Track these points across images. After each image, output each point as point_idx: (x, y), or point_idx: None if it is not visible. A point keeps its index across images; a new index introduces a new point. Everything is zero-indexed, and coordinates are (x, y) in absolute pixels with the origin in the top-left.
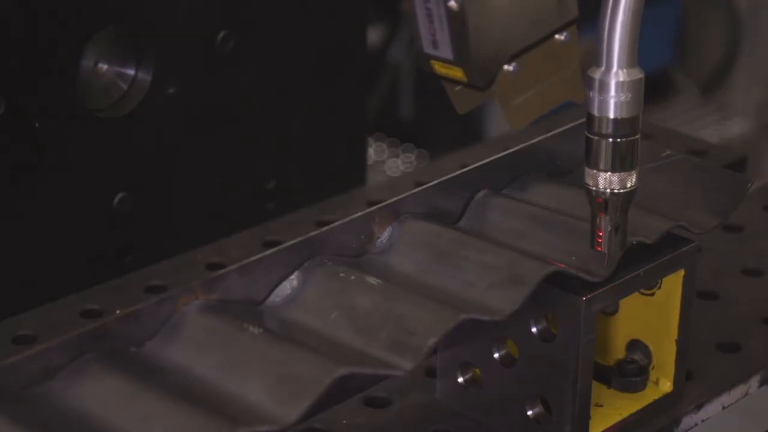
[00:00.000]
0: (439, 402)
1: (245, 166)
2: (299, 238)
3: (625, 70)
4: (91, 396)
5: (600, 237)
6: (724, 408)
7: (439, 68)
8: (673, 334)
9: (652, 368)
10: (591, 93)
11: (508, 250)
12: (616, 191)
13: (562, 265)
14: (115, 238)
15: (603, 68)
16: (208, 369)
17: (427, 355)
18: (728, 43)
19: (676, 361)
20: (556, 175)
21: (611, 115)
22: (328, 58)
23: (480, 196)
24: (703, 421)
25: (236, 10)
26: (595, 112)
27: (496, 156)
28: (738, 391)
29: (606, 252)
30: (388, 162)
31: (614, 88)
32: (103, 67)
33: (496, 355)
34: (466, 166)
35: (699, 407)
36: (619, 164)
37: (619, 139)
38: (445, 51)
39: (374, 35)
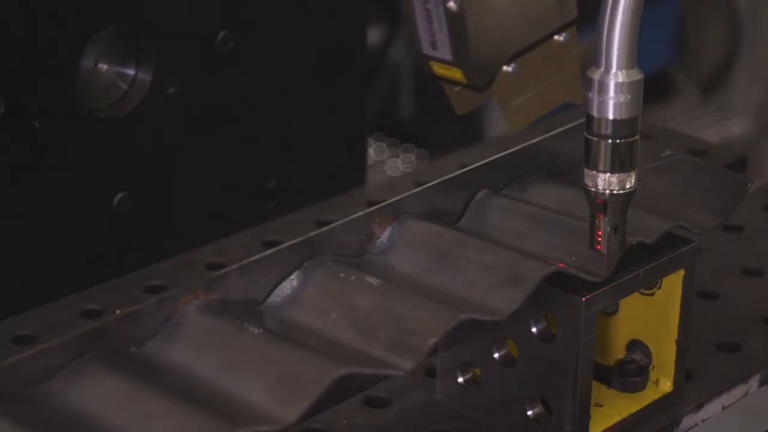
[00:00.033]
0: (439, 402)
1: (245, 166)
2: (299, 238)
3: (624, 71)
4: (91, 396)
5: (599, 237)
6: (724, 408)
7: (438, 69)
8: (673, 334)
9: (652, 368)
10: (590, 94)
11: (508, 250)
12: (615, 192)
13: (562, 265)
14: (115, 238)
15: (602, 69)
16: (208, 369)
17: (427, 355)
18: (728, 43)
19: (676, 361)
20: (556, 175)
21: (610, 116)
22: (328, 58)
23: (480, 196)
24: (703, 421)
25: (236, 10)
26: (595, 113)
27: (496, 156)
28: (738, 391)
29: (605, 253)
30: (388, 162)
31: (613, 89)
32: (103, 67)
33: (496, 355)
34: (466, 166)
35: (699, 407)
36: (619, 165)
37: (618, 140)
38: (444, 52)
39: (374, 35)
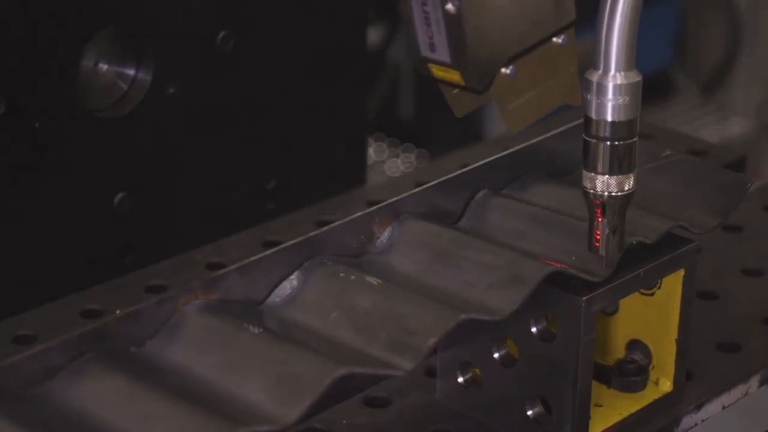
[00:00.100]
0: (439, 402)
1: (245, 166)
2: (299, 238)
3: (622, 73)
4: (91, 396)
5: (598, 239)
6: (724, 408)
7: (437, 71)
8: (673, 334)
9: (652, 368)
10: (589, 96)
11: (508, 250)
12: (613, 194)
13: (562, 265)
14: (115, 238)
15: (601, 71)
16: (208, 369)
17: (427, 355)
18: (728, 43)
19: (676, 361)
20: (556, 175)
21: (609, 118)
22: (328, 58)
23: (480, 196)
24: (703, 421)
25: (236, 10)
26: (593, 115)
27: (496, 156)
28: (738, 391)
29: (603, 255)
30: (388, 162)
31: (612, 91)
32: (103, 67)
33: (496, 355)
34: (466, 166)
35: (699, 407)
36: (617, 167)
37: (616, 142)
38: (443, 54)
39: (374, 35)
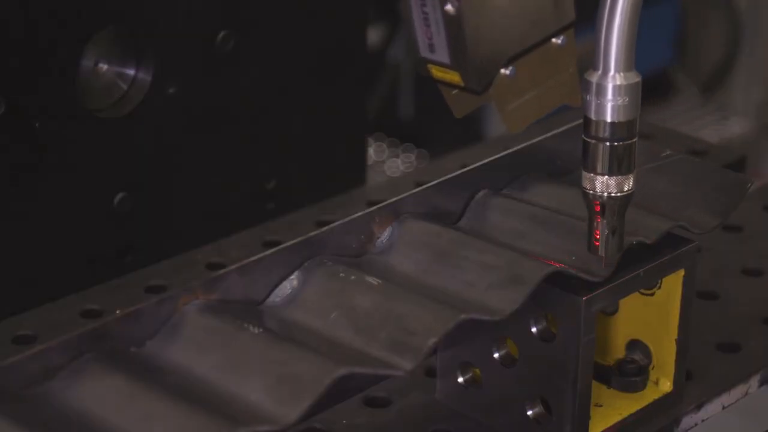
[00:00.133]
0: (439, 402)
1: (245, 166)
2: (299, 238)
3: (622, 74)
4: (91, 396)
5: (597, 240)
6: (724, 408)
7: (436, 72)
8: (673, 334)
9: (652, 368)
10: (588, 96)
11: (508, 250)
12: (613, 195)
13: (562, 265)
14: (115, 238)
15: (600, 72)
16: (208, 369)
17: (427, 355)
18: (728, 43)
19: (676, 361)
20: (556, 175)
21: (608, 119)
22: (328, 58)
23: (480, 196)
24: (703, 421)
25: (236, 10)
26: (593, 116)
27: (496, 156)
28: (738, 391)
29: (603, 255)
30: (388, 162)
31: (611, 92)
32: (103, 67)
33: (496, 355)
34: (466, 166)
35: (699, 407)
36: (617, 168)
37: (616, 143)
38: (442, 55)
39: (374, 35)
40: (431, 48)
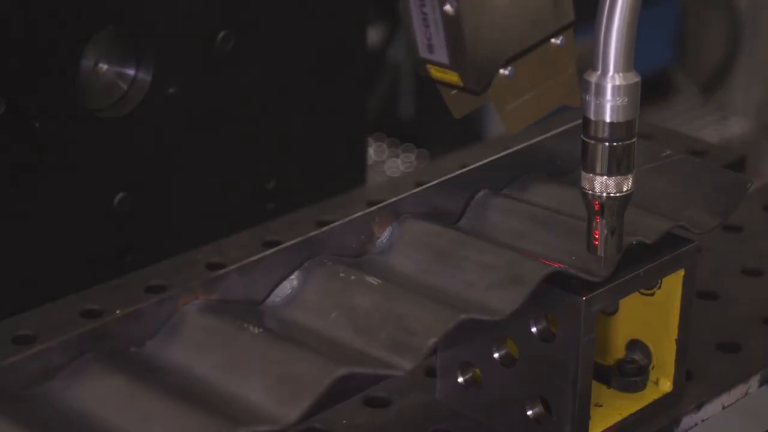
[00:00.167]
0: (439, 402)
1: (245, 166)
2: (299, 238)
3: (621, 74)
4: (91, 396)
5: (596, 240)
6: (724, 408)
7: (435, 72)
8: (673, 334)
9: (652, 368)
10: (587, 96)
11: (508, 250)
12: (612, 195)
13: (562, 265)
14: (115, 238)
15: (599, 72)
16: (208, 369)
17: (427, 355)
18: (728, 43)
19: (676, 361)
20: (556, 175)
21: (608, 119)
22: (328, 58)
23: (480, 196)
24: (703, 421)
25: (236, 10)
26: (592, 116)
27: (496, 156)
28: (738, 391)
29: (602, 256)
30: (388, 162)
31: (610, 92)
32: (103, 67)
33: (496, 355)
34: (466, 166)
35: (699, 407)
36: (616, 168)
37: (615, 143)
38: (441, 55)
39: (374, 35)
40: (430, 48)
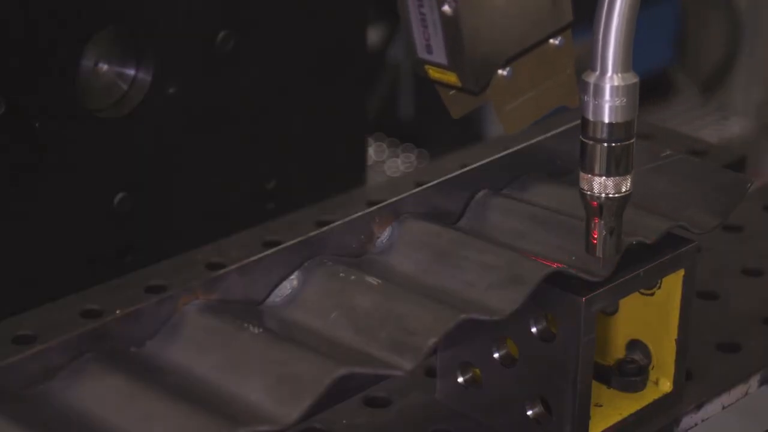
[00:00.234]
0: (439, 402)
1: (245, 166)
2: (299, 238)
3: (619, 75)
4: (91, 396)
5: (595, 241)
6: (724, 408)
7: (434, 73)
8: (673, 334)
9: (652, 368)
10: (586, 97)
11: (508, 250)
12: (610, 195)
13: (562, 265)
14: (115, 238)
15: (598, 72)
16: (208, 369)
17: (427, 355)
18: (728, 43)
19: (676, 361)
20: (556, 175)
21: (606, 120)
22: (328, 58)
23: (480, 196)
24: (703, 421)
25: (236, 10)
26: (590, 117)
27: (496, 156)
28: (738, 391)
29: (601, 256)
30: (388, 162)
31: (609, 93)
32: (103, 67)
33: (496, 355)
34: (466, 166)
35: (699, 407)
36: (614, 168)
37: (614, 144)
38: (439, 56)
39: (374, 35)
40: (428, 49)
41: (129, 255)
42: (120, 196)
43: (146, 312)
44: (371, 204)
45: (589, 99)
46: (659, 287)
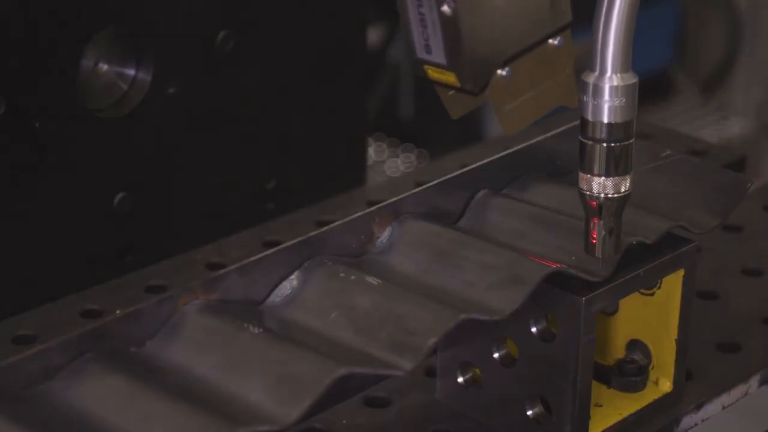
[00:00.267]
0: (439, 402)
1: (245, 166)
2: (299, 238)
3: (619, 75)
4: (91, 396)
5: (594, 241)
6: (724, 408)
7: (433, 73)
8: (673, 334)
9: (652, 368)
10: (585, 97)
11: (508, 250)
12: (610, 196)
13: (562, 265)
14: (115, 238)
15: (597, 73)
16: (208, 369)
17: (427, 355)
18: (728, 43)
19: (676, 361)
20: (556, 175)
21: (605, 120)
22: (328, 58)
23: (480, 196)
24: (703, 421)
25: (236, 10)
26: (589, 117)
27: (496, 156)
28: (738, 391)
29: (600, 256)
30: (388, 162)
31: (608, 93)
32: (103, 67)
33: (496, 355)
34: (466, 166)
35: (699, 407)
36: (614, 169)
37: (613, 144)
38: (439, 56)
39: (374, 35)
40: (428, 49)
41: (129, 255)
42: (120, 196)
43: (146, 312)
44: (371, 204)
45: (589, 99)
46: (659, 287)
